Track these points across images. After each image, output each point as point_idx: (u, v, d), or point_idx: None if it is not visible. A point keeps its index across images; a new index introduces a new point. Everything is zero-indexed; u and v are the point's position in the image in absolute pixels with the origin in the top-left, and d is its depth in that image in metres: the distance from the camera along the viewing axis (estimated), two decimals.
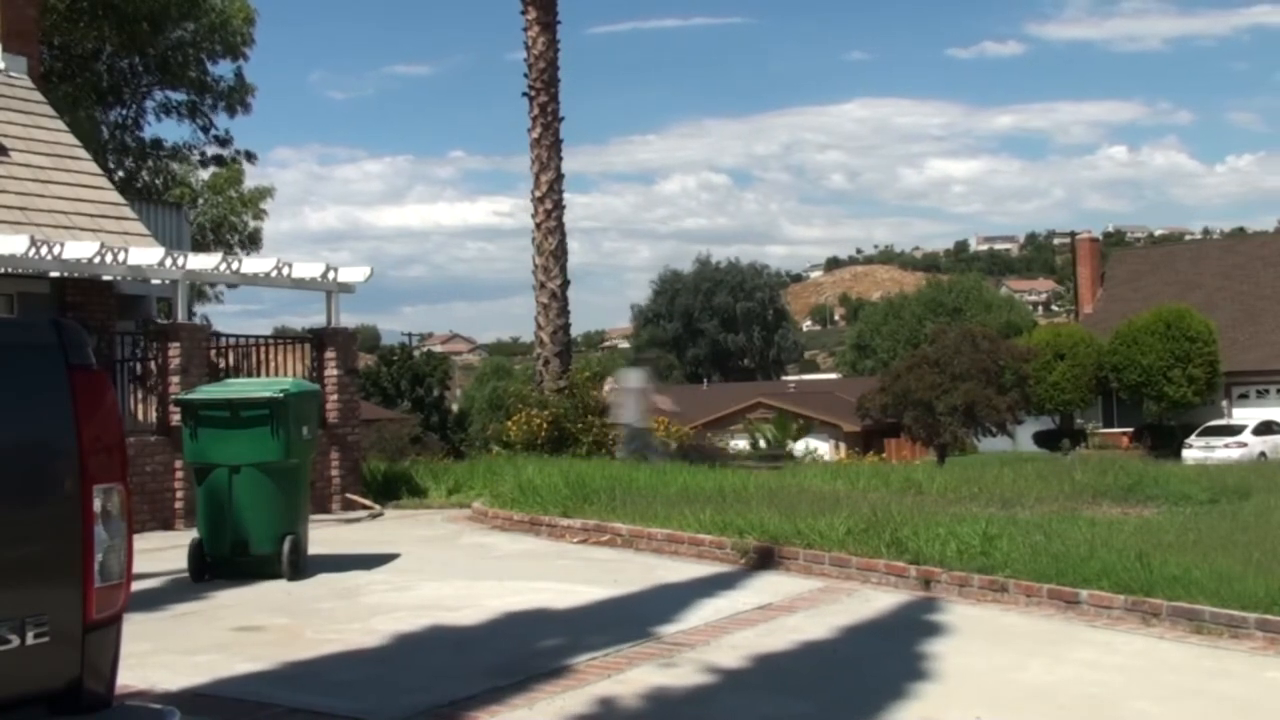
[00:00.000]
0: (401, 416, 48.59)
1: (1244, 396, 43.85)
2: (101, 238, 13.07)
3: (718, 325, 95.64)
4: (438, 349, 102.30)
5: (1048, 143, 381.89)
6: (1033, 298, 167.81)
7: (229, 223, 32.20)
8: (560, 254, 20.16)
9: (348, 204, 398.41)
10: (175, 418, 11.52)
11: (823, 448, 45.46)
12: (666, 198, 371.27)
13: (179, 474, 12.28)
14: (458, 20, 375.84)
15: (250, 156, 33.67)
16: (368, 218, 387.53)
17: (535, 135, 20.25)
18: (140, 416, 13.46)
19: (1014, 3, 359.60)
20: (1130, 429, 43.17)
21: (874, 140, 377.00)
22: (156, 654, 6.31)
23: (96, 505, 3.45)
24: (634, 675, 5.98)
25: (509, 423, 18.92)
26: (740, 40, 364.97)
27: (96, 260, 12.23)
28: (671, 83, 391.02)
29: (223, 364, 14.63)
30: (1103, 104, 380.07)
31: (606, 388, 20.63)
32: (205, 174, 32.86)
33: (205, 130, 31.85)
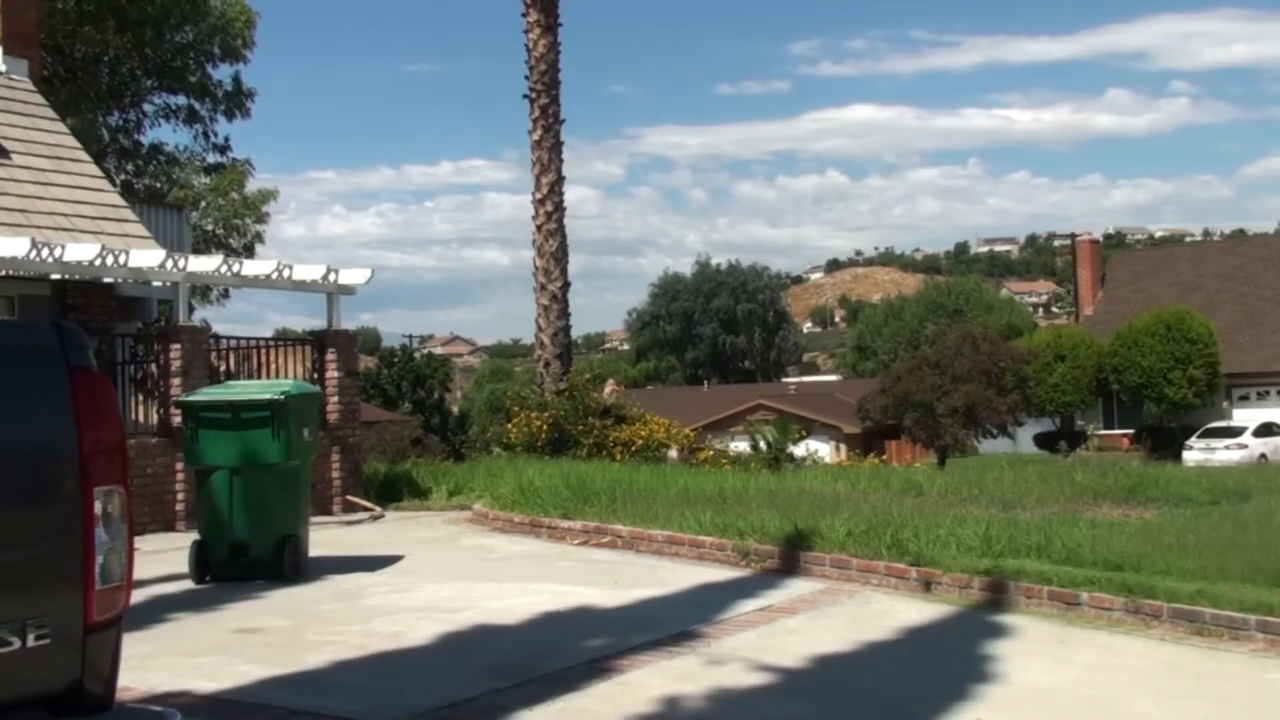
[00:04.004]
0: (402, 418, 48.65)
1: (1244, 398, 43.83)
2: (102, 240, 13.08)
3: (716, 327, 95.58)
4: (438, 351, 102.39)
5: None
6: (1033, 299, 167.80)
7: (231, 225, 32.09)
8: (561, 256, 20.13)
9: (303, 212, 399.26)
10: (176, 420, 11.53)
11: (823, 449, 45.43)
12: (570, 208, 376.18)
13: (180, 476, 12.29)
14: (389, 29, 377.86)
15: (248, 163, 33.54)
16: (325, 224, 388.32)
17: (536, 137, 20.21)
18: (141, 418, 13.46)
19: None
20: (1130, 431, 43.16)
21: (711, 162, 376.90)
22: (157, 656, 6.32)
23: (97, 507, 3.45)
24: (635, 676, 5.98)
25: (509, 425, 18.90)
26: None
27: (97, 262, 12.23)
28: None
29: (223, 366, 14.63)
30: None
31: (607, 389, 20.62)
32: (206, 180, 32.76)
33: (205, 136, 31.78)
